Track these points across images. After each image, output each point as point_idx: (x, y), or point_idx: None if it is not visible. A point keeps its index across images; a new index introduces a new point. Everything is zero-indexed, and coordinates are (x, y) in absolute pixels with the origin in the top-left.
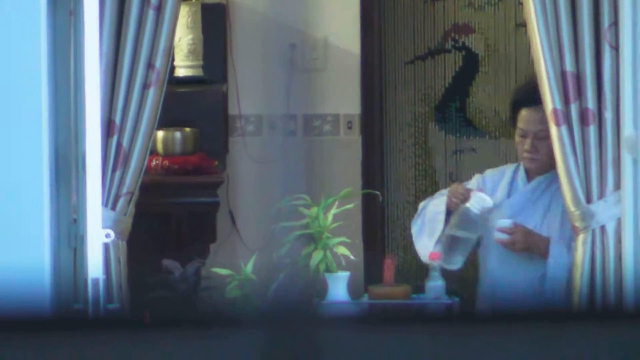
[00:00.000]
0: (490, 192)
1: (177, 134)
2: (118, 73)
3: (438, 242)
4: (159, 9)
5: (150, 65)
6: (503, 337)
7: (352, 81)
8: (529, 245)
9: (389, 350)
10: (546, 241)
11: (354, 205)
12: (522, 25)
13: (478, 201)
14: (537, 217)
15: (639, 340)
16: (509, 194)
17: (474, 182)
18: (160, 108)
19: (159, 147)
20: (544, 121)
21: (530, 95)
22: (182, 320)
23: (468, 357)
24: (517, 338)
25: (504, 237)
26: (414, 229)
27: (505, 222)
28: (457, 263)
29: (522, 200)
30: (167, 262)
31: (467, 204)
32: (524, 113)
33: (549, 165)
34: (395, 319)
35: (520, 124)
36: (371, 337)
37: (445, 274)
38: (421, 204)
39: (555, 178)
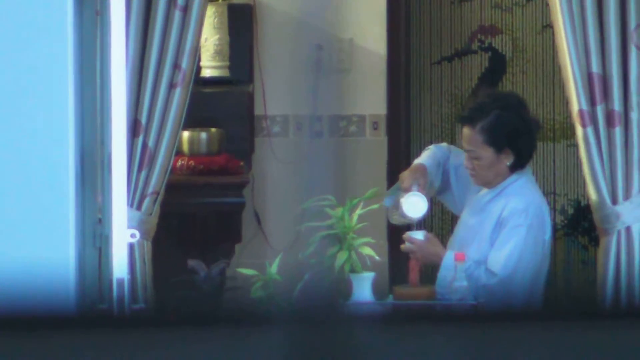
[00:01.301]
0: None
1: (203, 134)
2: (144, 73)
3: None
4: (186, 10)
5: (176, 66)
6: (527, 336)
7: (378, 82)
8: (423, 255)
9: (414, 350)
10: (441, 253)
11: (379, 206)
12: (549, 26)
13: (408, 206)
14: (475, 226)
15: None
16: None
17: (430, 163)
18: (186, 108)
19: (185, 147)
20: (472, 142)
21: (469, 113)
22: (208, 319)
23: (493, 357)
24: (541, 337)
25: (407, 245)
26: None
27: (416, 233)
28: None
29: (473, 206)
30: (192, 263)
31: (401, 200)
32: (463, 130)
33: (491, 182)
34: (420, 319)
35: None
36: (396, 336)
37: None
38: None
39: (496, 196)
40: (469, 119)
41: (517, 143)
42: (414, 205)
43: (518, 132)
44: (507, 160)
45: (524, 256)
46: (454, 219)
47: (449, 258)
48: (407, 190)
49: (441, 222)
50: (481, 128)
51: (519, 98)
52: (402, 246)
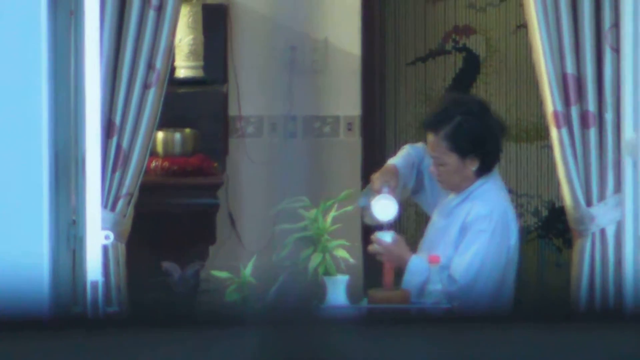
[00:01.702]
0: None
1: (177, 135)
2: (118, 73)
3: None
4: (160, 9)
5: (150, 66)
6: (502, 339)
7: (352, 83)
8: (389, 258)
9: (388, 353)
10: (406, 257)
11: (353, 208)
12: (523, 26)
13: (378, 209)
14: (441, 229)
15: (638, 343)
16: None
17: (404, 161)
18: (160, 109)
19: (159, 148)
20: (437, 149)
21: (432, 119)
22: (181, 320)
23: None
24: (517, 339)
25: (374, 247)
26: None
27: (384, 235)
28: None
29: (442, 209)
30: (166, 265)
31: (372, 203)
32: (427, 136)
33: (458, 187)
34: (394, 322)
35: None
36: (370, 339)
37: None
38: None
39: (462, 201)
40: (432, 126)
41: (481, 148)
42: (384, 208)
43: (481, 137)
44: (472, 165)
45: (486, 263)
46: (428, 221)
47: (413, 263)
48: (378, 192)
49: (415, 224)
50: (444, 134)
51: (482, 103)
52: (370, 247)
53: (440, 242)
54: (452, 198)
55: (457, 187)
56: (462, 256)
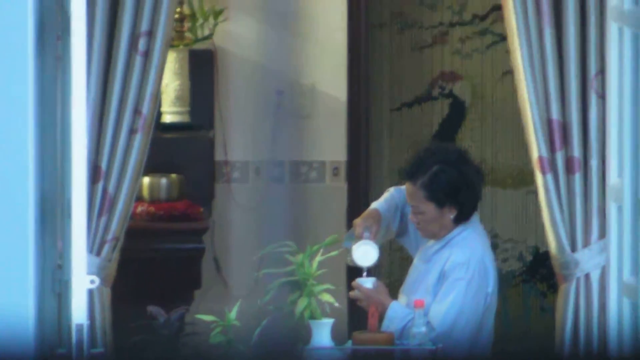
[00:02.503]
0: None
1: (163, 180)
2: (105, 118)
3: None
4: (147, 55)
5: (137, 111)
6: None
7: (338, 128)
8: (369, 304)
9: None
10: (386, 303)
11: (338, 253)
12: (509, 72)
13: (359, 255)
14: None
15: None
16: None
17: (387, 206)
18: (146, 154)
19: (145, 193)
20: (415, 198)
21: (409, 168)
22: None
23: None
24: None
25: (355, 293)
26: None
27: (364, 281)
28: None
29: (422, 254)
30: (151, 308)
31: (354, 247)
32: (405, 185)
33: (437, 235)
34: None
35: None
36: None
37: None
38: None
39: (442, 247)
40: (409, 175)
41: (459, 198)
42: (365, 254)
43: (458, 187)
44: (451, 214)
45: (463, 311)
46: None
47: (392, 309)
48: (359, 237)
49: (399, 268)
50: (422, 184)
51: (459, 151)
52: (351, 293)
53: (420, 287)
54: (431, 244)
55: (436, 235)
56: (440, 304)
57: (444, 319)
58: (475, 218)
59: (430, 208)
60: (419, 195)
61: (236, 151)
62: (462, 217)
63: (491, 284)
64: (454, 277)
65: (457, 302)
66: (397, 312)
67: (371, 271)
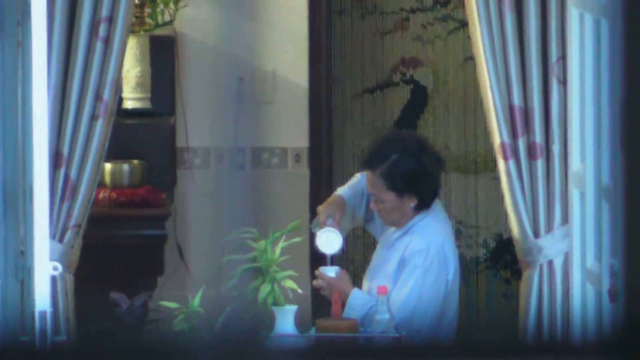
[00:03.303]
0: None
1: (125, 166)
2: (66, 104)
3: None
4: (107, 41)
5: (98, 97)
6: None
7: (300, 114)
8: (331, 293)
9: None
10: (347, 291)
11: (301, 239)
12: (470, 58)
13: (322, 242)
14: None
15: None
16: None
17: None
18: (108, 140)
19: (107, 179)
20: (375, 186)
21: (368, 158)
22: (129, 350)
23: None
24: None
25: (317, 282)
26: None
27: (327, 270)
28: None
29: (384, 241)
30: (114, 295)
31: (317, 234)
32: (366, 174)
33: (398, 223)
34: (342, 352)
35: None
36: None
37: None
38: None
39: (403, 234)
40: (369, 164)
41: (418, 186)
42: (328, 241)
43: (417, 176)
44: (411, 202)
45: (423, 298)
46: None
47: (353, 297)
48: (322, 225)
49: (363, 255)
50: (380, 173)
51: (418, 139)
52: (314, 282)
53: (380, 273)
54: (392, 231)
55: (397, 222)
56: (399, 291)
57: (403, 306)
58: (437, 205)
59: (390, 197)
60: (379, 185)
61: (197, 137)
62: (422, 205)
63: (451, 271)
64: (412, 265)
65: (416, 289)
66: (358, 299)
67: (335, 258)
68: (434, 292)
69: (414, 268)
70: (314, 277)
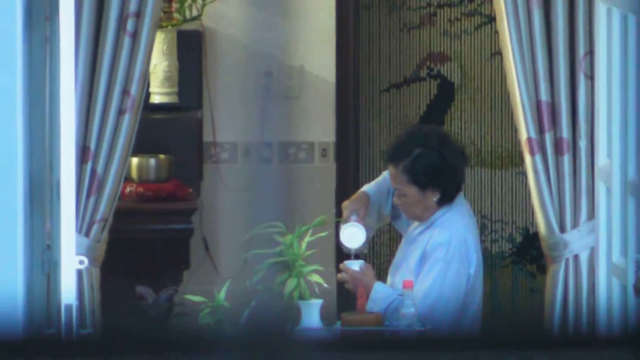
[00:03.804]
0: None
1: (152, 161)
2: (93, 99)
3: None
4: (135, 36)
5: (125, 92)
6: None
7: (327, 109)
8: (355, 286)
9: None
10: (371, 285)
11: (327, 233)
12: (498, 53)
13: (346, 237)
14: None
15: None
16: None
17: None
18: (135, 134)
19: (134, 173)
20: (397, 181)
21: (391, 152)
22: (155, 344)
23: None
24: None
25: (341, 275)
26: None
27: (352, 263)
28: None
29: (408, 236)
30: (140, 289)
31: (341, 229)
32: (389, 168)
33: (421, 217)
34: (368, 345)
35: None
36: None
37: None
38: None
39: (425, 229)
40: (391, 158)
41: (441, 180)
42: (352, 236)
43: (440, 170)
44: (434, 196)
45: (444, 291)
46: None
47: (375, 291)
48: (347, 220)
49: (389, 249)
50: (403, 167)
51: (441, 134)
52: (338, 275)
53: (402, 268)
54: (416, 226)
55: (420, 217)
56: (421, 285)
57: (423, 299)
58: (461, 199)
59: (412, 191)
60: (401, 179)
61: (224, 132)
62: (445, 199)
63: (474, 265)
64: (434, 258)
65: (437, 282)
66: (380, 293)
67: (360, 254)
68: (455, 285)
69: (436, 261)
70: (339, 271)
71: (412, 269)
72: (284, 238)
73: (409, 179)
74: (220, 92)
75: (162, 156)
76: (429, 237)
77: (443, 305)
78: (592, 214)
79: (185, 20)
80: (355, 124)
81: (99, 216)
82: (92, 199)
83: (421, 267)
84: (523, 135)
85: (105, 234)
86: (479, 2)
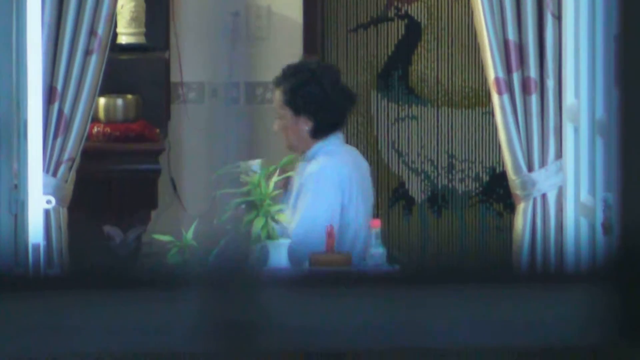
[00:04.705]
0: None
1: (119, 101)
2: (60, 40)
3: None
4: None
5: (92, 32)
6: (444, 300)
7: (294, 49)
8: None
9: (329, 312)
10: None
11: (295, 173)
12: None
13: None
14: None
15: (577, 303)
16: None
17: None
18: (102, 75)
19: (101, 114)
20: (276, 102)
21: (279, 75)
22: (122, 282)
23: (410, 321)
24: (459, 300)
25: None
26: None
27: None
28: None
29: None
30: (108, 229)
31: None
32: (274, 91)
33: (297, 148)
34: (336, 282)
35: None
36: (311, 301)
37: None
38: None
39: (303, 169)
40: (276, 81)
41: (315, 111)
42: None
43: (317, 100)
44: (306, 125)
45: (317, 221)
46: None
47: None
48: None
49: None
50: (283, 89)
51: (332, 71)
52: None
53: (289, 204)
54: (300, 165)
55: (296, 147)
56: (295, 215)
57: (296, 229)
58: (340, 142)
59: (287, 113)
60: (280, 100)
61: (192, 72)
62: (317, 132)
63: (347, 196)
64: (305, 189)
65: (308, 212)
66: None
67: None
68: (328, 217)
69: (306, 192)
70: None
71: (292, 204)
72: (251, 178)
73: (285, 100)
74: (188, 33)
75: (129, 96)
76: (304, 170)
77: (316, 234)
78: (560, 153)
79: None
80: None
81: (66, 156)
82: (59, 139)
83: (297, 201)
84: (490, 75)
85: (72, 174)
86: None
